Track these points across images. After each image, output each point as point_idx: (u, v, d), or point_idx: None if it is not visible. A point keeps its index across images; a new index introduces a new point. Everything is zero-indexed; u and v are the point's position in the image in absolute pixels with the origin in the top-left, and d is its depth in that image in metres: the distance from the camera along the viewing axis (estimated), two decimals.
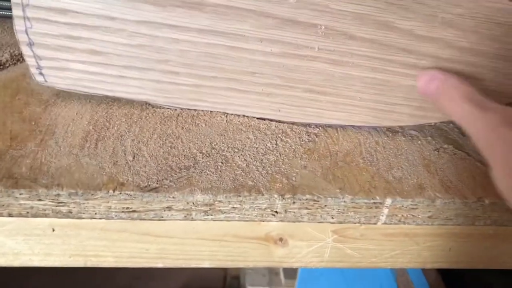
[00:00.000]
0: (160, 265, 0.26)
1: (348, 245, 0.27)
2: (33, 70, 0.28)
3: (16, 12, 0.26)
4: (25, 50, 0.27)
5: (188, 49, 0.28)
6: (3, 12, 0.37)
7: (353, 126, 0.30)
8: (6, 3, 0.37)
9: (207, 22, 0.27)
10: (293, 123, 0.30)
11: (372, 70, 0.28)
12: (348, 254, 0.27)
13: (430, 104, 0.29)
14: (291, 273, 0.86)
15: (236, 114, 0.30)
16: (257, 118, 0.30)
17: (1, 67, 0.31)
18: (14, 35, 0.33)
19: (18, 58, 0.32)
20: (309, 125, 0.30)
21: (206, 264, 0.26)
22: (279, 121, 0.30)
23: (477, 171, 0.27)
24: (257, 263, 0.26)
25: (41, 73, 0.28)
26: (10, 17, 0.37)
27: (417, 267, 0.28)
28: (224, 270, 0.96)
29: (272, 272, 0.92)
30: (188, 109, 0.30)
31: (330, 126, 0.30)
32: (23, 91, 0.29)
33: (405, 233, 0.27)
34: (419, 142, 0.30)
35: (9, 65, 0.32)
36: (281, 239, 0.26)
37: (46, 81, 0.28)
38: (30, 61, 0.27)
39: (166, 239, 0.25)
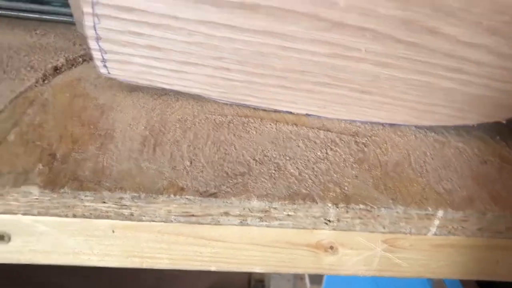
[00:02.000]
0: (213, 268, 0.27)
1: (397, 255, 0.27)
2: (98, 63, 0.29)
3: (86, 9, 0.27)
4: (92, 44, 0.28)
5: (241, 48, 0.29)
6: (52, 17, 0.39)
7: (394, 124, 0.31)
8: (58, 9, 0.38)
9: (262, 23, 0.28)
10: (339, 121, 0.31)
11: (416, 73, 0.29)
12: (396, 264, 0.27)
13: (470, 107, 0.30)
14: (316, 278, 0.86)
15: (285, 123, 0.31)
16: (305, 126, 0.30)
17: (58, 71, 0.32)
18: (67, 40, 0.34)
19: (73, 63, 0.33)
20: (357, 134, 0.30)
21: (257, 269, 0.27)
22: (325, 118, 0.31)
23: None
24: (307, 270, 0.27)
25: (105, 66, 0.29)
26: (62, 22, 0.39)
27: (463, 278, 0.29)
28: (249, 273, 0.96)
29: (297, 277, 0.93)
30: (239, 104, 0.31)
31: (374, 123, 0.31)
32: (79, 95, 0.30)
33: (453, 244, 0.27)
34: (466, 154, 0.30)
35: (65, 69, 0.33)
36: (331, 247, 0.26)
37: (109, 73, 0.30)
38: (96, 54, 0.29)
39: (220, 243, 0.26)
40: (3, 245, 0.25)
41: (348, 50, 0.29)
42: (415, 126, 0.32)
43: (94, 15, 0.28)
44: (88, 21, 0.28)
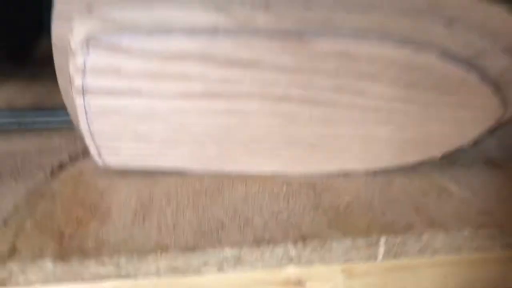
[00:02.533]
0: None
1: (356, 281, 0.32)
2: (94, 156, 0.36)
3: (80, 115, 0.34)
4: (88, 141, 0.35)
5: (210, 126, 0.35)
6: (60, 123, 0.46)
7: (348, 173, 0.37)
8: (62, 118, 0.45)
9: (225, 105, 0.34)
10: (300, 175, 0.37)
11: (354, 127, 0.35)
12: None
13: (406, 149, 0.36)
14: None
15: (255, 183, 0.36)
16: (271, 182, 0.36)
17: (62, 167, 0.39)
18: (69, 140, 0.41)
19: (75, 158, 0.40)
20: (315, 184, 0.36)
21: None
22: (289, 175, 0.37)
23: (461, 210, 0.33)
24: None
25: (100, 157, 0.36)
26: (66, 128, 0.46)
27: None
28: None
29: None
30: (215, 172, 0.37)
31: (331, 176, 0.37)
32: (81, 184, 0.37)
33: (402, 266, 0.32)
34: (409, 189, 0.35)
35: (68, 165, 0.39)
36: (299, 282, 0.31)
37: (104, 163, 0.36)
38: (92, 149, 0.36)
39: None
40: None
41: (296, 117, 0.35)
42: (365, 172, 0.37)
43: (87, 118, 0.35)
44: (82, 123, 0.35)
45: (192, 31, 0.33)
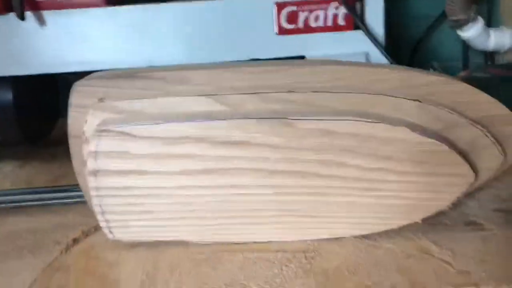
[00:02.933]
0: None
1: None
2: (105, 230, 0.40)
3: (92, 192, 0.38)
4: (99, 217, 0.39)
5: (210, 200, 0.39)
6: (75, 200, 0.50)
7: (336, 237, 0.40)
8: (75, 193, 0.49)
9: (222, 180, 0.38)
10: (293, 242, 0.40)
11: (341, 196, 0.39)
12: None
13: (389, 214, 0.39)
14: None
15: (251, 252, 0.39)
16: (266, 250, 0.39)
17: (76, 242, 0.42)
18: (82, 216, 0.44)
19: (87, 233, 0.44)
20: (307, 250, 0.39)
21: None
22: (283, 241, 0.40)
23: (441, 270, 0.35)
24: None
25: (110, 232, 0.40)
26: (81, 202, 0.50)
27: None
28: None
29: None
30: (214, 243, 0.40)
31: (320, 239, 0.40)
32: (93, 258, 0.40)
33: None
34: (394, 252, 0.38)
35: (82, 239, 0.43)
36: None
37: (114, 236, 0.40)
38: (102, 224, 0.39)
39: None
40: None
41: (286, 189, 0.39)
42: (353, 236, 0.40)
43: (99, 196, 0.39)
44: (95, 201, 0.39)
45: (189, 117, 0.38)
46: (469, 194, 0.43)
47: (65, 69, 0.56)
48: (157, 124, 0.38)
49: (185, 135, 0.38)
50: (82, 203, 0.49)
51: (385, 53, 0.56)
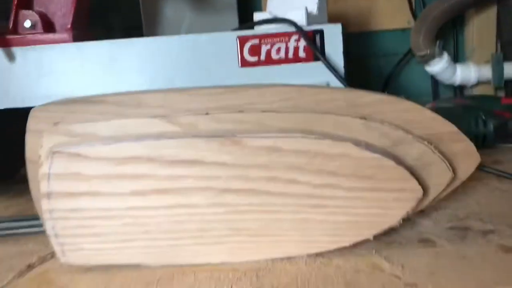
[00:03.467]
0: None
1: None
2: (59, 254, 0.40)
3: (45, 215, 0.38)
4: (53, 241, 0.39)
5: (161, 220, 0.39)
6: (38, 229, 0.50)
7: (289, 256, 0.40)
8: (39, 225, 0.49)
9: (173, 201, 0.38)
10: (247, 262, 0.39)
11: (292, 213, 0.39)
12: None
13: (341, 231, 0.40)
14: None
15: (203, 272, 0.39)
16: (219, 270, 0.39)
17: (31, 267, 0.42)
18: (42, 244, 0.44)
19: (43, 260, 0.43)
20: (259, 269, 0.39)
21: None
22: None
23: (389, 283, 0.35)
24: None
25: (64, 255, 0.40)
26: (42, 234, 0.49)
27: None
28: None
29: None
30: (168, 265, 0.40)
31: (276, 260, 0.40)
32: (46, 282, 0.40)
33: None
34: (344, 269, 0.38)
35: (37, 265, 0.43)
36: None
37: (67, 260, 0.40)
38: (56, 248, 0.39)
39: None
40: None
41: (237, 207, 0.39)
42: (306, 255, 0.40)
43: (52, 219, 0.39)
44: (48, 224, 0.39)
45: (140, 138, 0.39)
46: (423, 213, 0.43)
47: (34, 103, 0.57)
48: (108, 144, 0.38)
49: (136, 155, 0.38)
50: (43, 232, 0.49)
51: (344, 82, 0.58)
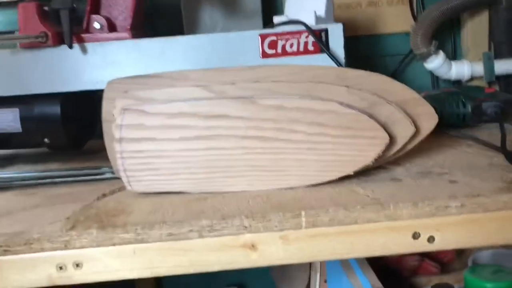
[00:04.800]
0: (192, 271, 0.48)
1: (291, 245, 0.48)
2: (126, 184, 0.55)
3: (118, 155, 0.54)
4: (122, 174, 0.54)
5: (200, 159, 0.54)
6: (105, 176, 0.66)
7: (290, 187, 0.54)
8: (107, 169, 0.66)
9: (208, 144, 0.54)
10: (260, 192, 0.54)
11: (294, 154, 0.53)
12: (293, 252, 0.48)
13: (330, 167, 0.54)
14: None
15: (229, 195, 0.54)
16: (240, 195, 0.54)
17: (104, 195, 0.58)
18: (111, 184, 0.60)
19: (113, 192, 0.59)
20: (269, 194, 0.54)
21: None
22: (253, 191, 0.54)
23: (360, 199, 0.49)
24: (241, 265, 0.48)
25: (129, 185, 0.55)
26: (110, 179, 0.66)
27: (336, 258, 0.48)
28: None
29: None
30: (205, 192, 0.55)
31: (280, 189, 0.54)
32: (117, 201, 0.55)
33: (320, 232, 0.48)
34: (331, 192, 0.52)
35: (108, 194, 0.59)
36: (253, 246, 0.48)
37: (132, 188, 0.55)
38: (124, 179, 0.55)
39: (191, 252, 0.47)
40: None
41: (253, 149, 0.54)
42: (304, 186, 0.55)
43: (122, 158, 0.55)
44: (119, 162, 0.55)
45: (185, 99, 0.54)
46: (399, 164, 0.57)
47: (101, 86, 0.74)
48: (163, 103, 0.54)
49: (182, 111, 0.54)
50: (110, 179, 0.65)
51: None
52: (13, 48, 0.76)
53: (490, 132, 0.76)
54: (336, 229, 0.48)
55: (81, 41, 0.75)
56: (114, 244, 0.47)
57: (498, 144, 0.63)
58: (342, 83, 0.55)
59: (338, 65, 0.73)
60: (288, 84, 0.55)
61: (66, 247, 0.47)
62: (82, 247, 0.47)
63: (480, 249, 0.93)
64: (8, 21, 1.06)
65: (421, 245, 0.48)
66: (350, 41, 0.98)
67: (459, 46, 1.07)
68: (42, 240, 0.47)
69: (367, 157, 0.54)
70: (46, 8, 0.75)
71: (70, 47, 0.73)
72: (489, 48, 1.04)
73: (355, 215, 0.47)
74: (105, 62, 0.75)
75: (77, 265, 0.47)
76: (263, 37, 0.75)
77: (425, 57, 0.98)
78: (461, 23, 1.06)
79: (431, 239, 0.48)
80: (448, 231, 0.47)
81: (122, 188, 0.60)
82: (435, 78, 1.06)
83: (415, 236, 0.47)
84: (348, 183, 0.55)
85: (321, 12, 0.79)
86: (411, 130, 0.55)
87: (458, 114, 0.79)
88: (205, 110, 0.54)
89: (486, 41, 1.04)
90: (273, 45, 0.74)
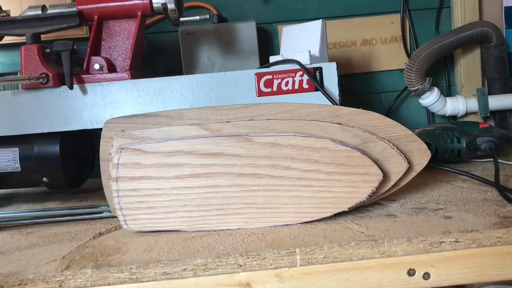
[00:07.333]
0: None
1: (286, 283, 0.47)
2: (122, 223, 0.55)
3: (114, 194, 0.54)
4: (118, 213, 0.55)
5: (194, 197, 0.54)
6: (102, 215, 0.66)
7: (287, 224, 0.54)
8: (93, 209, 0.66)
9: (204, 182, 0.54)
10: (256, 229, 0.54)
11: (287, 191, 0.54)
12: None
13: (324, 205, 0.54)
14: None
15: (225, 233, 0.54)
16: (236, 233, 0.54)
17: (101, 234, 0.58)
18: (108, 223, 0.60)
19: (109, 231, 0.60)
20: (264, 232, 0.54)
21: None
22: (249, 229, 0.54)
23: (355, 235, 0.49)
24: None
25: (126, 224, 0.55)
26: (106, 217, 0.66)
27: None
28: None
29: None
30: (199, 230, 0.55)
31: (275, 226, 0.54)
32: (112, 241, 0.56)
33: (316, 270, 0.48)
34: (325, 228, 0.52)
35: (104, 233, 0.59)
36: (247, 284, 0.47)
37: (128, 227, 0.55)
38: (120, 218, 0.55)
39: None
40: None
41: (249, 187, 0.55)
42: (299, 223, 0.55)
43: (118, 196, 0.56)
44: (115, 201, 0.56)
45: (181, 138, 0.55)
46: (394, 200, 0.57)
47: (100, 125, 0.75)
48: (159, 142, 0.55)
49: (178, 150, 0.55)
50: (107, 217, 0.66)
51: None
52: (15, 89, 0.78)
53: (485, 167, 0.77)
54: (331, 266, 0.48)
55: (81, 81, 0.77)
56: (108, 284, 0.47)
57: (492, 179, 0.63)
58: (335, 120, 0.56)
59: (332, 103, 0.74)
60: (282, 122, 0.56)
61: (60, 287, 0.47)
62: (76, 287, 0.47)
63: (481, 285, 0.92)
64: (11, 63, 1.08)
65: (417, 282, 0.47)
66: (346, 78, 1.01)
67: (453, 82, 1.09)
68: (36, 281, 0.46)
69: (361, 194, 0.54)
70: (47, 50, 0.77)
71: (71, 87, 0.75)
72: (483, 84, 1.06)
73: (350, 252, 0.47)
74: (104, 102, 0.76)
75: None
76: (259, 76, 0.76)
77: (419, 93, 0.99)
78: (454, 60, 1.08)
79: (426, 276, 0.47)
80: (443, 267, 0.47)
81: (119, 227, 0.60)
82: (430, 114, 1.07)
83: (410, 272, 0.47)
84: (343, 219, 0.55)
85: (315, 51, 0.81)
86: (404, 166, 0.56)
87: (453, 149, 0.79)
88: (201, 148, 0.55)
89: (479, 77, 1.05)
90: (269, 83, 0.76)
